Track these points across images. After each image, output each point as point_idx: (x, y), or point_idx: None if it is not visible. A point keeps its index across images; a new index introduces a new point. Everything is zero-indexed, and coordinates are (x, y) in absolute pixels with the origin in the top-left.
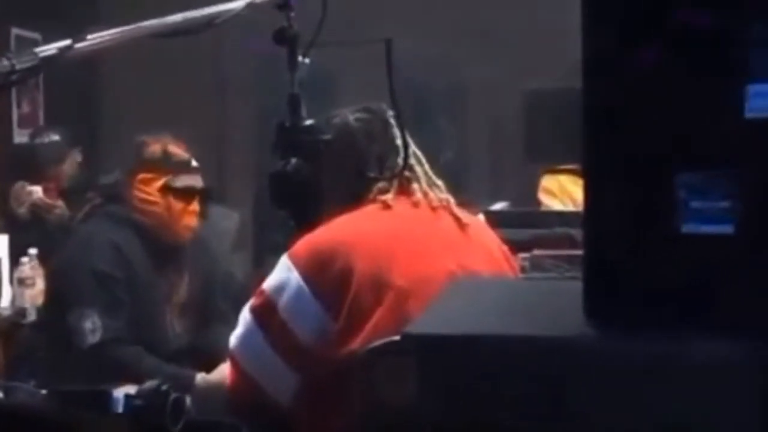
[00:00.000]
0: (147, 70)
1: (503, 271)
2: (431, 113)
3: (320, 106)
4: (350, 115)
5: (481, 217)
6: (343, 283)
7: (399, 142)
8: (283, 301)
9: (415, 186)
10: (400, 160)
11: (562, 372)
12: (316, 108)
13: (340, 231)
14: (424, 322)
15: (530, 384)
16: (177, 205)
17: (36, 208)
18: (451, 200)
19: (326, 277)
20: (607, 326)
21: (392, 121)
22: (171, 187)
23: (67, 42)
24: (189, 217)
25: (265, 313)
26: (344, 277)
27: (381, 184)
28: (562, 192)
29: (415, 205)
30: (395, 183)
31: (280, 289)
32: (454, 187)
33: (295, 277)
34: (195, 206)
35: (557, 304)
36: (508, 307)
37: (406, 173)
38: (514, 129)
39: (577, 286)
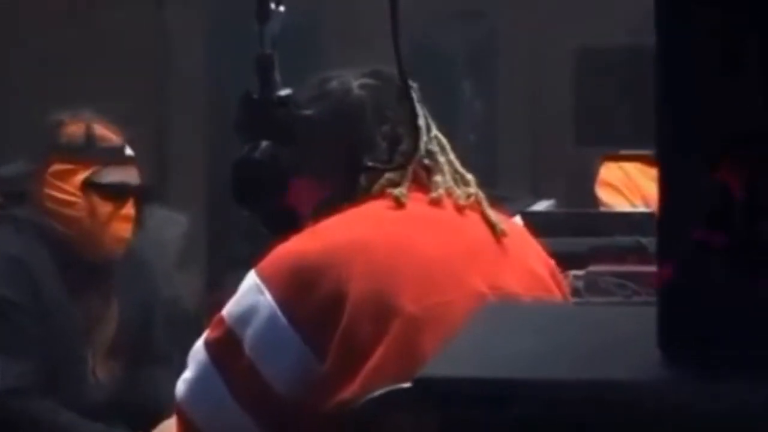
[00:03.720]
0: (65, 31)
1: (549, 292)
2: (450, 82)
3: (299, 71)
4: (353, 81)
5: (518, 220)
6: (333, 309)
7: (421, 122)
8: (251, 334)
9: (437, 178)
10: (422, 144)
11: (626, 428)
12: (294, 74)
13: (330, 239)
14: (442, 363)
15: None
16: (104, 207)
17: None
18: (483, 198)
19: (310, 302)
20: (688, 367)
21: (411, 92)
22: (96, 183)
23: None
24: (120, 224)
25: (226, 351)
26: (334, 302)
27: (390, 175)
28: (628, 186)
29: (435, 203)
30: (409, 173)
31: (245, 318)
32: (481, 181)
33: (266, 302)
34: (128, 209)
35: (621, 338)
36: (556, 342)
37: (425, 161)
38: (560, 101)
39: (650, 313)
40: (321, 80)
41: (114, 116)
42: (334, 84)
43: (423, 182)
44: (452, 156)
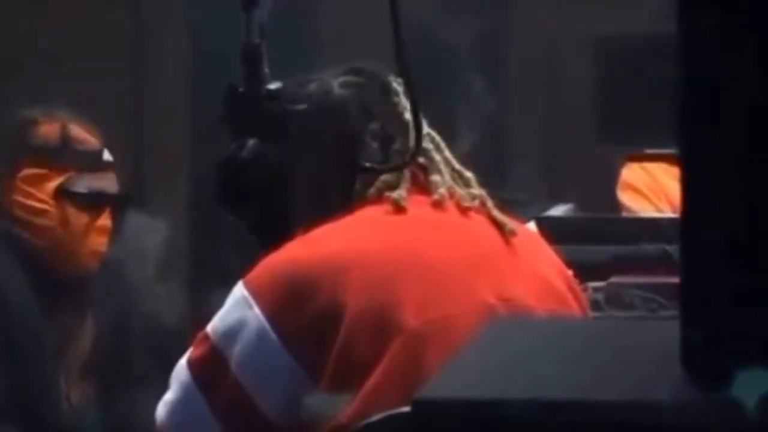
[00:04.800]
0: (36, 17)
1: (565, 305)
2: (457, 75)
3: (291, 63)
4: (333, 80)
5: (531, 226)
6: (329, 324)
7: (407, 116)
8: (238, 352)
9: (435, 178)
10: (411, 141)
11: None
12: (285, 66)
13: (325, 247)
14: (445, 383)
15: None
16: (78, 218)
17: None
18: (488, 199)
19: (303, 317)
20: (715, 389)
21: (395, 86)
22: (71, 191)
23: None
24: (95, 236)
25: (210, 371)
26: (330, 317)
27: (386, 178)
28: (654, 189)
29: (437, 206)
30: (407, 174)
31: (232, 334)
32: (490, 183)
33: (255, 317)
34: (105, 220)
35: (643, 356)
36: (571, 361)
37: (421, 160)
38: (579, 95)
39: (675, 328)
40: (298, 84)
41: (89, 113)
42: (312, 87)
43: (421, 183)
44: (448, 153)
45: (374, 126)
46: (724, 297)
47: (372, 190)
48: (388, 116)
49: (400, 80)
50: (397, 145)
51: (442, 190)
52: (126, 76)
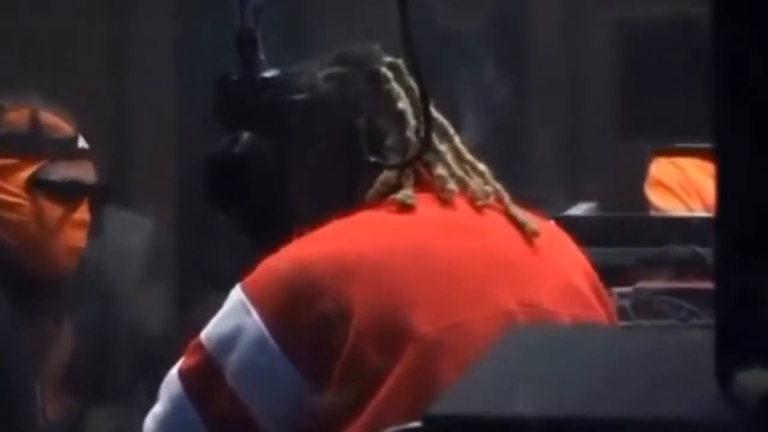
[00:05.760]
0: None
1: (591, 310)
2: (470, 62)
3: (287, 48)
4: (318, 72)
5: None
6: (335, 332)
7: (401, 105)
8: (234, 361)
9: (441, 172)
10: (409, 134)
11: None
12: (281, 52)
13: (329, 249)
14: (460, 397)
15: None
16: (53, 211)
17: None
18: (506, 194)
19: (306, 323)
20: (752, 407)
21: (386, 73)
22: (44, 181)
23: None
24: (73, 231)
25: (204, 382)
26: (336, 323)
27: (384, 177)
28: (685, 186)
29: (446, 203)
30: (408, 171)
31: (228, 342)
32: (505, 179)
33: (254, 324)
34: (82, 213)
35: (675, 368)
36: (595, 374)
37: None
38: (601, 84)
39: (709, 338)
40: (288, 72)
41: (64, 100)
42: (301, 78)
43: (425, 180)
44: (459, 143)
45: (360, 122)
46: (765, 307)
47: (371, 192)
48: (380, 107)
49: (395, 64)
50: (390, 140)
51: (451, 186)
52: (108, 64)
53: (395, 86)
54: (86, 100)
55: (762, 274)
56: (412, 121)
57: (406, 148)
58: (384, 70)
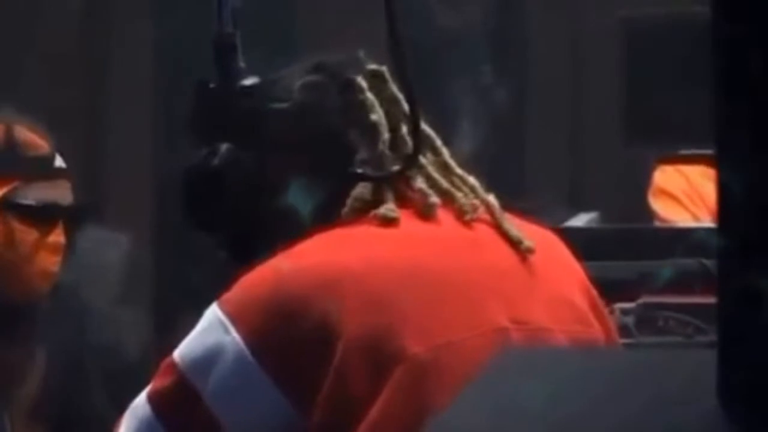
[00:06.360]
0: None
1: (589, 329)
2: (466, 64)
3: (268, 54)
4: (297, 80)
5: None
6: (320, 352)
7: (374, 117)
8: (213, 383)
9: (420, 186)
10: (382, 147)
11: None
12: (261, 58)
13: (313, 263)
14: (450, 423)
15: None
16: (26, 234)
17: None
18: (496, 206)
19: (289, 343)
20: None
21: (361, 81)
22: (17, 203)
23: None
24: (47, 256)
25: (178, 405)
26: (321, 343)
27: (359, 193)
28: (691, 195)
29: (429, 218)
30: (385, 186)
31: (205, 362)
32: (503, 189)
33: (233, 343)
34: (57, 237)
35: (678, 391)
36: (594, 397)
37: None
38: (604, 87)
39: (712, 356)
40: (267, 80)
41: (42, 117)
42: (279, 86)
43: (405, 194)
44: (446, 155)
45: (335, 133)
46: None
47: (346, 210)
48: (353, 117)
49: (377, 72)
50: (362, 153)
51: (433, 199)
52: (85, 76)
53: (369, 96)
54: (59, 112)
55: (765, 273)
56: (385, 134)
57: (380, 162)
58: (359, 79)
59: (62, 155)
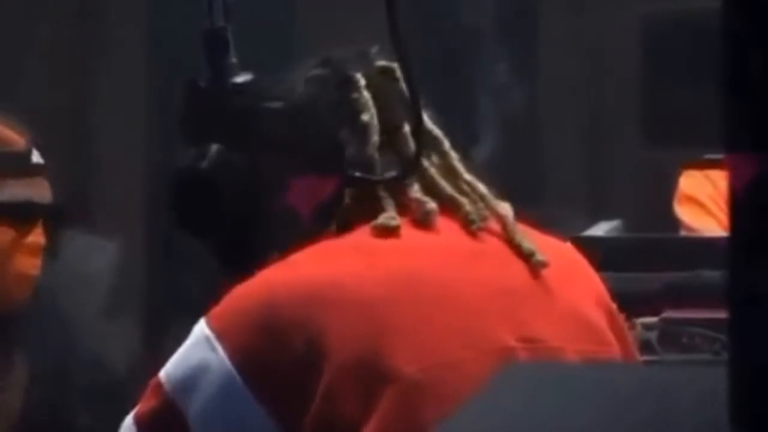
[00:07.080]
0: None
1: (605, 346)
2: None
3: (262, 51)
4: (304, 75)
5: None
6: (309, 371)
7: (365, 117)
8: (198, 403)
9: (416, 193)
10: (370, 148)
11: None
12: (255, 55)
13: (303, 277)
14: None
15: None
16: (4, 234)
17: None
18: (508, 215)
19: (277, 361)
20: None
21: (358, 78)
22: None
23: None
24: (26, 257)
25: (164, 426)
26: (310, 361)
27: (357, 192)
28: (718, 202)
29: (430, 226)
30: (382, 193)
31: (191, 382)
32: (520, 196)
33: (219, 362)
34: (36, 237)
35: (686, 407)
36: (612, 418)
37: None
38: (624, 87)
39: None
40: (273, 80)
41: (28, 118)
42: (280, 87)
43: (402, 201)
44: (454, 158)
45: (333, 132)
46: None
47: (337, 221)
48: (345, 116)
49: (387, 69)
50: (351, 151)
51: (430, 206)
52: (73, 76)
53: (364, 95)
54: (45, 111)
55: None
56: (374, 136)
57: (369, 165)
58: (358, 76)
59: (43, 154)
